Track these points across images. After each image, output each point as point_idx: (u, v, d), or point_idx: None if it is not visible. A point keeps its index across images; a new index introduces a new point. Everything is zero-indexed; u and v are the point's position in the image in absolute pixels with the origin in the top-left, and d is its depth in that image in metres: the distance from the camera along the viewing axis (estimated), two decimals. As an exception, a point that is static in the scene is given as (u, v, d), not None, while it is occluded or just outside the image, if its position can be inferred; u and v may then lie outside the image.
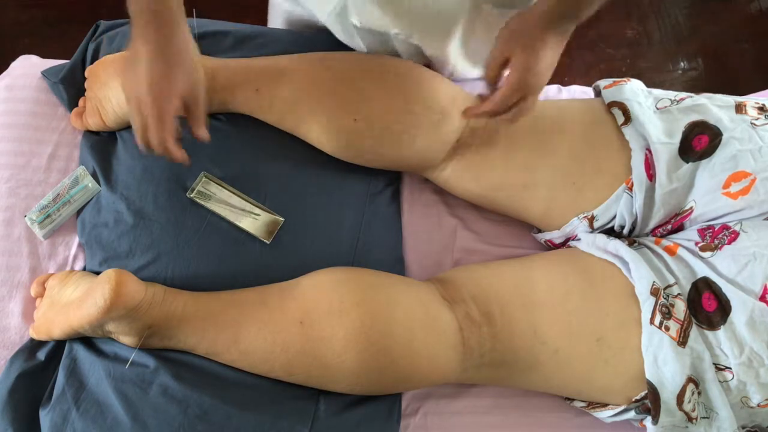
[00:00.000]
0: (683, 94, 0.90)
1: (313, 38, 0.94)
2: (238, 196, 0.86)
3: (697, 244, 0.82)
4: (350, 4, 0.84)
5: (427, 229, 0.97)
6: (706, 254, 0.80)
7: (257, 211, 0.86)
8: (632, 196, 0.84)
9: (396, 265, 0.93)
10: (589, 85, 1.05)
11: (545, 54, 0.70)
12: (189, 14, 0.92)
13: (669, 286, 0.78)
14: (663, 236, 0.88)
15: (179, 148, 0.71)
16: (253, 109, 0.88)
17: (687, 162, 0.82)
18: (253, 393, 0.78)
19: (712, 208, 0.82)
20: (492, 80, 0.74)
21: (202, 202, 0.85)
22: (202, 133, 0.73)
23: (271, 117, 0.88)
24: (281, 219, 0.86)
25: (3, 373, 0.80)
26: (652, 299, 0.77)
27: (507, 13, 0.84)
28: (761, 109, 0.85)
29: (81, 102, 0.92)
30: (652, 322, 0.76)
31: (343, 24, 0.89)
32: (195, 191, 0.85)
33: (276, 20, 1.06)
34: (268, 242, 0.85)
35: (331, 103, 0.84)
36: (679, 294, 0.78)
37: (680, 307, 0.77)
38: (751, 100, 0.88)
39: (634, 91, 0.88)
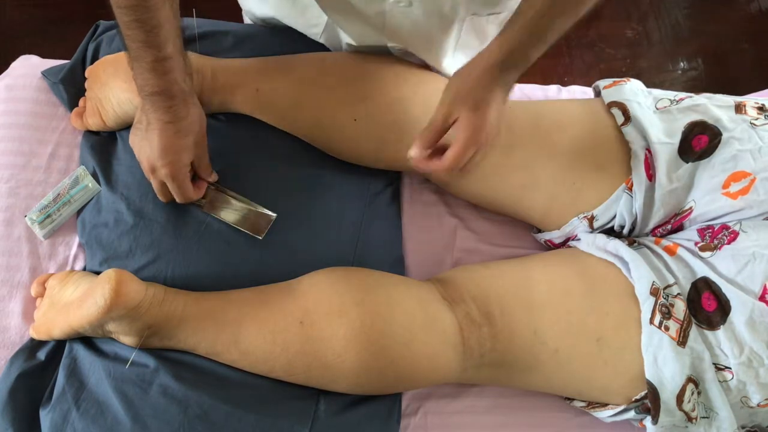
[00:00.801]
0: (683, 94, 0.90)
1: (313, 39, 0.94)
2: (231, 195, 0.86)
3: (696, 244, 0.82)
4: (339, 28, 0.86)
5: (427, 229, 0.97)
6: (706, 254, 0.80)
7: (248, 207, 0.86)
8: (632, 196, 0.84)
9: (396, 265, 0.93)
10: (589, 85, 1.05)
11: (493, 110, 0.69)
12: (189, 14, 0.92)
13: (669, 286, 0.78)
14: (663, 236, 0.88)
15: (197, 191, 0.82)
16: (253, 109, 0.88)
17: (687, 162, 0.82)
18: (253, 393, 0.78)
19: (712, 208, 0.82)
20: (434, 141, 0.71)
21: (198, 203, 0.85)
22: (211, 177, 0.83)
23: (271, 117, 0.88)
24: (273, 215, 0.86)
25: (3, 373, 0.80)
26: (652, 299, 0.77)
27: (495, 19, 0.84)
28: (761, 109, 0.85)
29: (81, 102, 0.92)
30: (651, 322, 0.76)
31: (334, 41, 0.90)
32: None
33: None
34: (260, 238, 0.85)
35: (331, 103, 0.84)
36: (678, 294, 0.78)
37: (680, 307, 0.77)
38: (751, 100, 0.88)
39: (633, 91, 0.88)
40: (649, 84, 0.94)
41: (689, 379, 0.75)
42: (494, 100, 0.69)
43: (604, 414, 0.83)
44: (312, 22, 0.90)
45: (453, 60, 0.92)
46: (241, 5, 1.01)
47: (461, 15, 0.81)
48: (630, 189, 0.83)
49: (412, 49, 0.87)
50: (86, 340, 0.80)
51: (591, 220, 0.87)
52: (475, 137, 0.68)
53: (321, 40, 0.93)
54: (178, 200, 0.81)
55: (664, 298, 0.77)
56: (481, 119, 0.68)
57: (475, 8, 0.81)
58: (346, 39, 0.88)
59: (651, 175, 0.82)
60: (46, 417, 0.76)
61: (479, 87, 0.68)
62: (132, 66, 0.71)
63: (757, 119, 0.83)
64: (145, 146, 0.76)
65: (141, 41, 0.67)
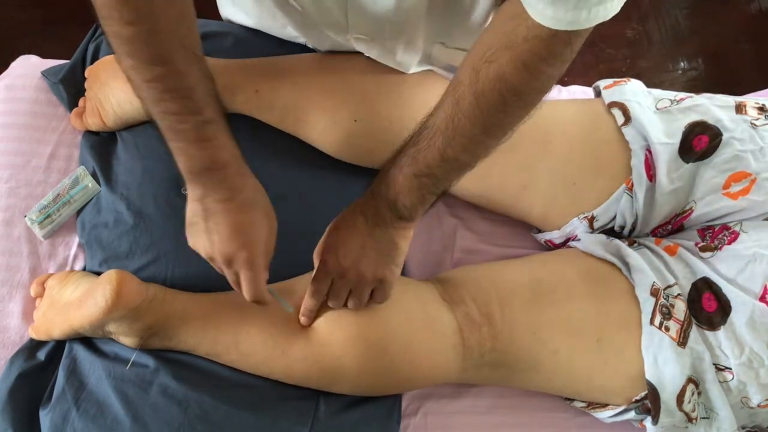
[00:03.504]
0: (683, 94, 0.90)
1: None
2: None
3: (697, 244, 0.82)
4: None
5: (427, 229, 0.97)
6: (706, 254, 0.80)
7: None
8: (632, 197, 0.84)
9: (396, 265, 0.92)
10: (589, 85, 1.05)
11: (347, 237, 0.69)
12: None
13: (669, 286, 0.78)
14: (663, 236, 0.88)
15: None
16: (253, 110, 0.88)
17: (687, 162, 0.82)
18: (253, 393, 0.78)
19: (713, 209, 0.82)
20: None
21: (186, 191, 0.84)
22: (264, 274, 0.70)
23: (271, 117, 0.88)
24: None
25: (3, 373, 0.80)
26: (652, 300, 0.77)
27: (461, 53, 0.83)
28: (761, 109, 0.85)
29: (81, 102, 0.92)
30: (652, 322, 0.76)
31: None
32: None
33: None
34: None
35: (331, 103, 0.84)
36: (679, 294, 0.78)
37: (680, 308, 0.77)
38: (751, 100, 0.88)
39: (634, 91, 0.88)
40: (649, 84, 0.94)
41: (689, 380, 0.75)
42: (354, 225, 0.69)
43: (605, 414, 0.83)
44: (293, 34, 0.90)
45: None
46: (221, 14, 1.00)
47: (420, 44, 0.80)
48: (630, 189, 0.83)
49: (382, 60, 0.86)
50: (86, 341, 0.80)
51: (591, 220, 0.87)
52: (328, 260, 0.70)
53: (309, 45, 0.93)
54: (247, 296, 0.66)
55: (665, 299, 0.77)
56: (332, 239, 0.70)
57: (437, 37, 0.80)
58: (324, 47, 0.88)
59: (651, 176, 0.82)
60: (46, 417, 0.76)
61: (344, 211, 0.72)
62: (172, 149, 0.62)
63: (757, 119, 0.83)
64: (212, 239, 0.64)
65: (176, 112, 0.59)
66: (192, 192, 0.64)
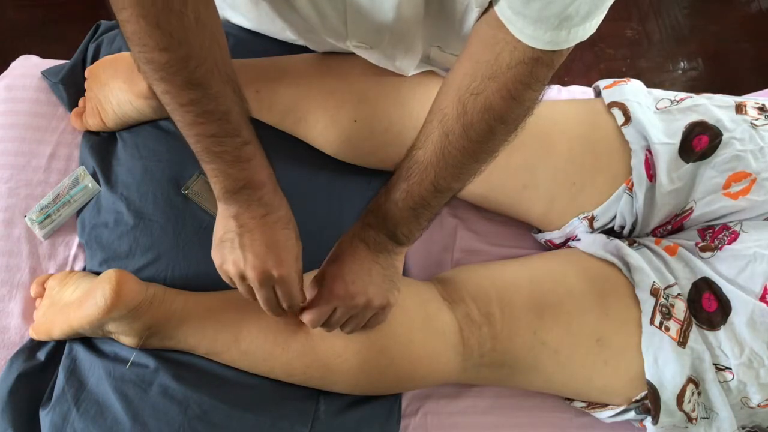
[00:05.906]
0: (683, 95, 0.90)
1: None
2: None
3: (697, 244, 0.82)
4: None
5: (428, 229, 0.97)
6: (707, 254, 0.80)
7: None
8: (632, 197, 0.84)
9: (396, 265, 0.92)
10: (589, 85, 1.05)
11: (352, 264, 0.68)
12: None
13: (669, 286, 0.78)
14: (663, 236, 0.88)
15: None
16: (253, 110, 0.87)
17: (687, 162, 0.82)
18: (253, 393, 0.78)
19: (713, 209, 0.82)
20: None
21: (196, 200, 0.85)
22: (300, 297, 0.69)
23: (271, 118, 0.88)
24: None
25: (3, 373, 0.80)
26: (652, 299, 0.77)
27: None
28: (761, 109, 0.85)
29: (81, 102, 0.92)
30: (652, 322, 0.76)
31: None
32: (189, 188, 0.85)
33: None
34: None
35: (331, 104, 0.84)
36: (679, 294, 0.78)
37: (680, 308, 0.77)
38: (751, 100, 0.88)
39: (634, 91, 0.88)
40: (649, 84, 0.94)
41: (689, 380, 0.75)
42: (356, 252, 0.69)
43: (605, 414, 0.83)
44: (292, 38, 0.90)
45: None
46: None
47: (419, 48, 0.80)
48: (630, 189, 0.83)
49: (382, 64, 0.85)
50: (86, 341, 0.80)
51: (591, 220, 0.87)
52: (331, 287, 0.68)
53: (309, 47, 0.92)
54: (285, 306, 0.67)
55: (665, 299, 0.77)
56: (336, 268, 0.69)
57: (433, 42, 0.80)
58: (323, 50, 0.88)
59: (651, 176, 0.82)
60: (45, 417, 0.76)
61: (342, 239, 0.71)
62: (208, 170, 0.62)
63: (757, 119, 0.83)
64: (246, 256, 0.63)
65: (213, 134, 0.59)
66: (226, 210, 0.64)
